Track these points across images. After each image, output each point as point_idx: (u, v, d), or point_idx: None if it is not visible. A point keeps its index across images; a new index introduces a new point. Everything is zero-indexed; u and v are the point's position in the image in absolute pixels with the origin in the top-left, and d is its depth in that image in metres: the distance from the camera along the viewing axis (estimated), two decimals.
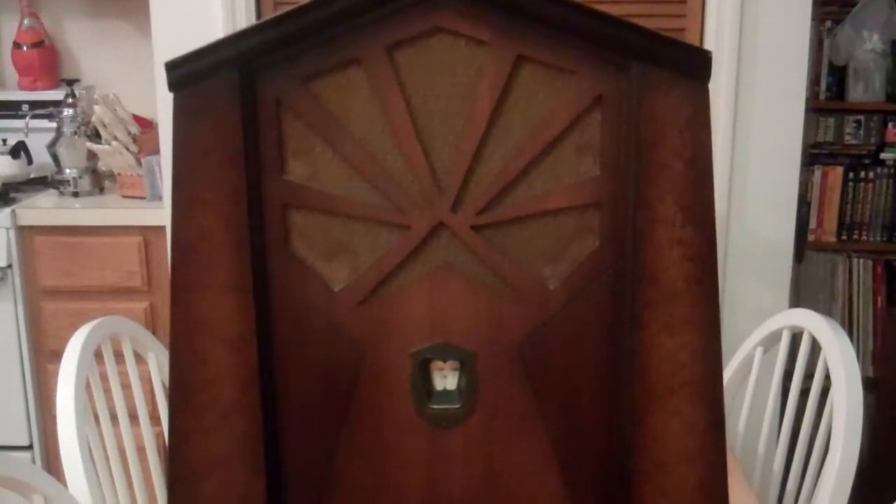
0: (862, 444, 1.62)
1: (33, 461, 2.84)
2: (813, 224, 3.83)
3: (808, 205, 3.78)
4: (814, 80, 3.67)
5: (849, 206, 3.83)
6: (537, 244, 1.02)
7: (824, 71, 3.76)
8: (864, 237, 3.86)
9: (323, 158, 1.02)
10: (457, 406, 1.04)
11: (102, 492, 1.68)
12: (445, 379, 1.05)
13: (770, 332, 1.99)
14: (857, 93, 3.75)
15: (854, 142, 3.83)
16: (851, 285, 3.82)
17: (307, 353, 1.04)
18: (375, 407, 1.04)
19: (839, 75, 3.77)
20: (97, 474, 1.68)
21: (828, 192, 3.82)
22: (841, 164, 3.83)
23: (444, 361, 1.04)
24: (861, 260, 3.82)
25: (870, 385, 3.52)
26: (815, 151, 3.81)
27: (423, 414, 1.04)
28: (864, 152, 3.83)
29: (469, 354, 1.03)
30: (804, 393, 1.89)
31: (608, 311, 1.03)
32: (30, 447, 2.84)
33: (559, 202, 1.01)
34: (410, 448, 1.04)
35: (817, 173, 3.82)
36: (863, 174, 3.82)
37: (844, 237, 3.86)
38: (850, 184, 3.82)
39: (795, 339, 1.96)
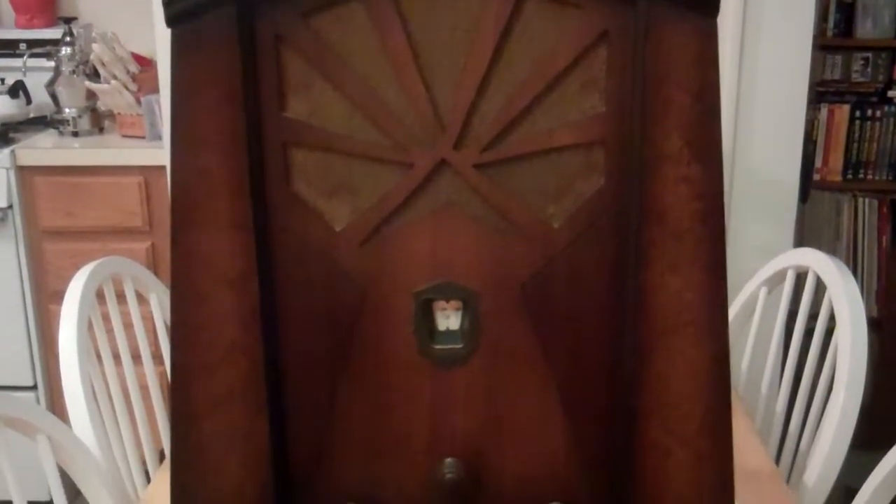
0: (865, 384, 1.62)
1: (37, 402, 2.86)
2: (819, 163, 3.81)
3: (814, 143, 3.75)
4: (821, 16, 3.62)
5: (855, 144, 3.80)
6: (541, 182, 1.01)
7: (832, 7, 3.70)
8: (871, 176, 3.83)
9: (323, 95, 1.00)
10: (460, 346, 1.03)
11: (106, 431, 1.69)
12: (448, 319, 1.04)
13: (775, 271, 1.98)
14: (865, 29, 3.70)
15: (862, 79, 3.79)
16: (857, 225, 3.81)
17: (308, 292, 1.03)
18: (378, 347, 1.04)
19: (847, 11, 3.72)
20: (101, 414, 1.69)
21: (834, 131, 3.79)
22: (848, 103, 3.79)
23: (447, 301, 1.03)
24: (866, 199, 3.80)
25: (874, 324, 3.53)
26: (822, 90, 3.77)
27: (425, 354, 1.03)
28: (872, 90, 3.79)
29: (472, 294, 1.02)
30: (808, 333, 1.88)
31: (613, 250, 1.02)
32: (34, 387, 2.85)
33: (563, 139, 1.00)
34: (413, 388, 1.04)
35: (824, 111, 3.78)
36: (870, 112, 3.79)
37: (850, 176, 3.83)
38: (857, 122, 3.79)
39: (800, 278, 1.95)
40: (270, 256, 1.02)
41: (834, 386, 1.63)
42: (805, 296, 1.88)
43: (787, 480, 1.78)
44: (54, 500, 1.46)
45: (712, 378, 1.02)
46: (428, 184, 1.00)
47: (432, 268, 1.02)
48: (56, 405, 2.83)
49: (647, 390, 1.02)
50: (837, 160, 3.81)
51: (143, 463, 1.87)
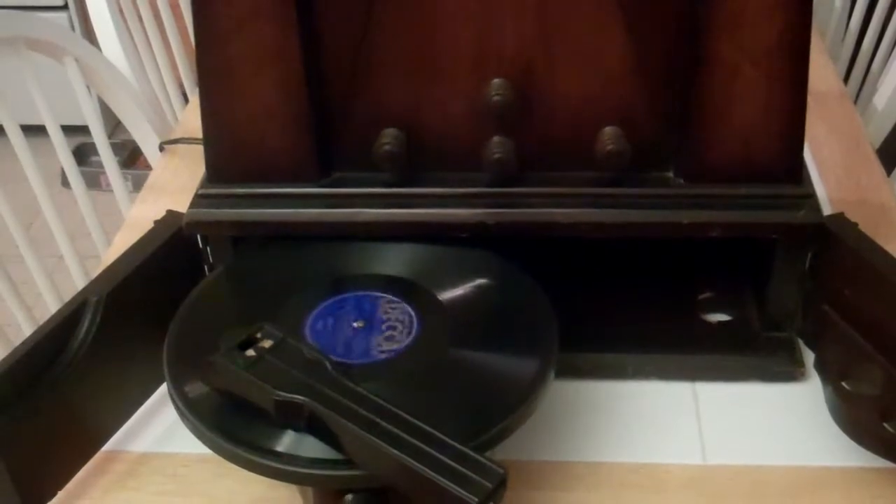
0: None
1: (70, 24, 2.78)
2: None
3: None
4: None
5: None
6: None
7: None
8: None
9: None
10: None
11: (138, 52, 1.62)
12: None
13: None
14: None
15: None
16: None
17: None
18: None
19: None
20: (131, 34, 1.62)
21: None
22: None
23: None
24: None
25: None
26: None
27: None
28: None
29: None
30: None
31: None
32: (65, 7, 2.76)
33: None
34: (456, 1, 0.93)
35: None
36: None
37: None
38: None
39: None
40: None
41: None
42: None
43: (855, 102, 1.70)
44: (89, 126, 1.42)
45: None
46: None
47: None
48: (91, 29, 2.76)
49: (719, 3, 0.91)
50: None
51: (181, 85, 1.83)
